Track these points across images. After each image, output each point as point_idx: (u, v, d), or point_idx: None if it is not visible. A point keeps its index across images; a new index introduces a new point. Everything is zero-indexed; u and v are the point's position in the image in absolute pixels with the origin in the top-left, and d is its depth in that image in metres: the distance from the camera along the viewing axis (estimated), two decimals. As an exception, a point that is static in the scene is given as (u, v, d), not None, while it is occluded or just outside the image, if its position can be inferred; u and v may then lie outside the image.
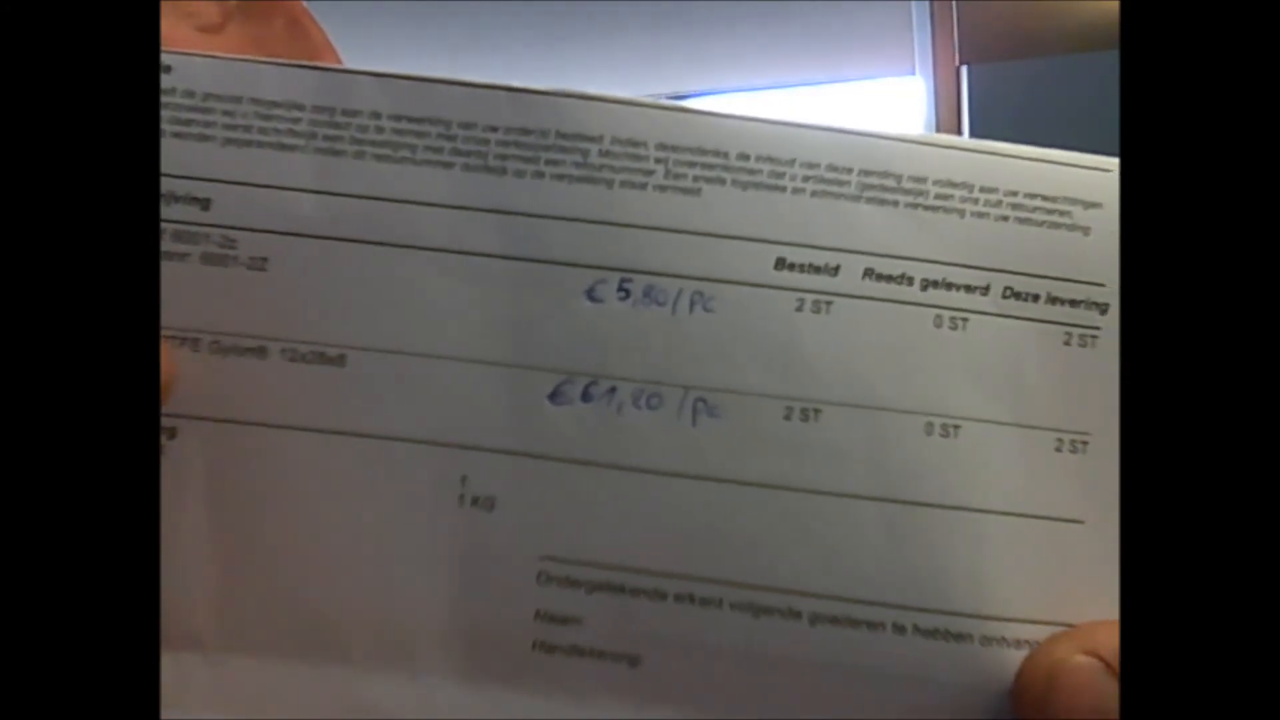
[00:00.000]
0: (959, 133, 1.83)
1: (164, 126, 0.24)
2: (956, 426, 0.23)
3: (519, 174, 0.24)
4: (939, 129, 1.95)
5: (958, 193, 0.24)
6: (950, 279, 0.24)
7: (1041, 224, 0.24)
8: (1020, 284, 0.24)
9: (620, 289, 0.23)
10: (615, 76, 1.92)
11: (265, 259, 0.23)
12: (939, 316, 0.24)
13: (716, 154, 0.24)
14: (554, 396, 0.23)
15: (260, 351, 0.23)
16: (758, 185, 0.24)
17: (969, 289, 0.24)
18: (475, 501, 0.23)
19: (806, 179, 0.24)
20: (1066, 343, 0.24)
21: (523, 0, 1.68)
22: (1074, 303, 0.24)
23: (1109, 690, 0.21)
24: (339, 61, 0.33)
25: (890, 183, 0.24)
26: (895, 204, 0.24)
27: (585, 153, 0.24)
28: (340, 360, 0.23)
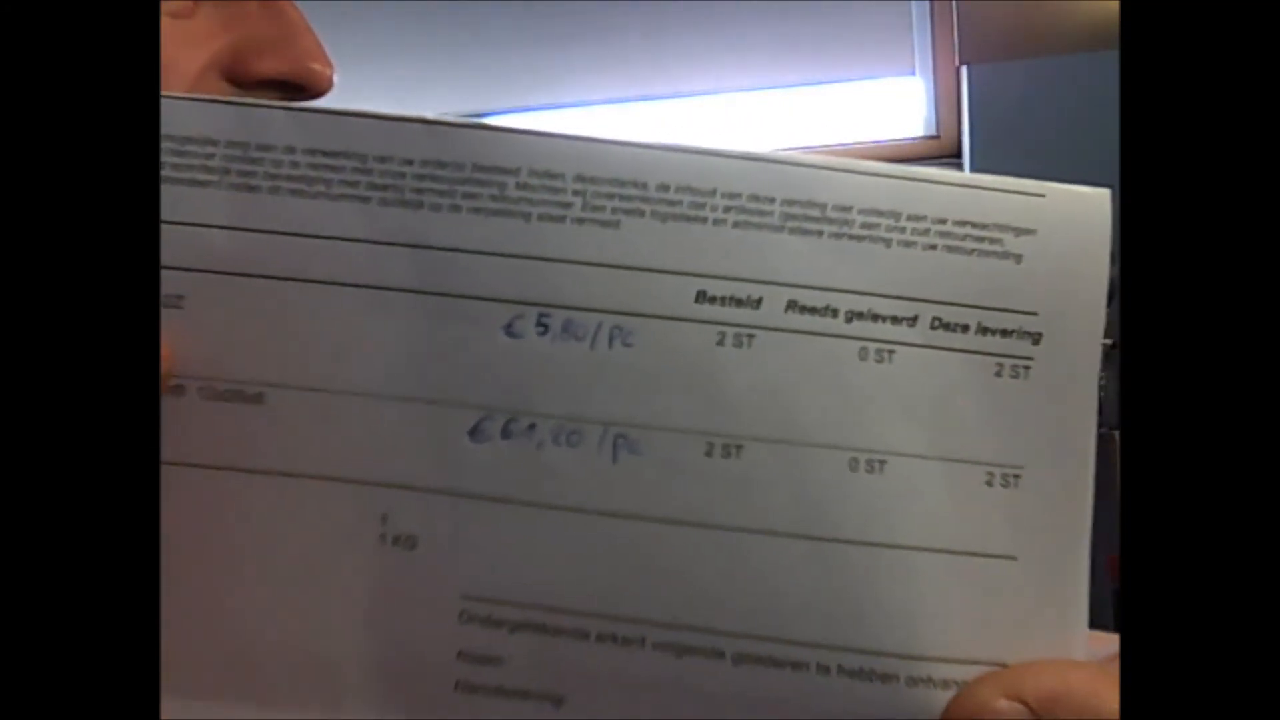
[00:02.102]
0: (959, 133, 1.83)
1: None
2: (882, 461, 0.23)
3: (435, 207, 0.23)
4: (939, 129, 1.95)
5: (884, 221, 0.23)
6: (876, 310, 0.23)
7: (971, 252, 0.23)
8: (949, 314, 0.23)
9: (539, 324, 0.23)
10: (614, 77, 1.92)
11: (181, 296, 0.23)
12: (864, 349, 0.23)
13: (636, 185, 0.23)
14: (474, 433, 0.23)
15: (178, 390, 0.23)
16: (678, 216, 0.23)
17: (896, 320, 0.23)
18: (396, 540, 0.23)
19: (728, 209, 0.23)
20: (998, 374, 0.23)
21: (521, 0, 1.68)
22: (1005, 333, 0.23)
23: None
24: (316, 42, 0.33)
25: (814, 212, 0.23)
26: (819, 234, 0.23)
27: (502, 185, 0.23)
28: (259, 398, 0.23)
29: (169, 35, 0.29)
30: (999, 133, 1.72)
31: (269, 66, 0.31)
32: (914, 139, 1.98)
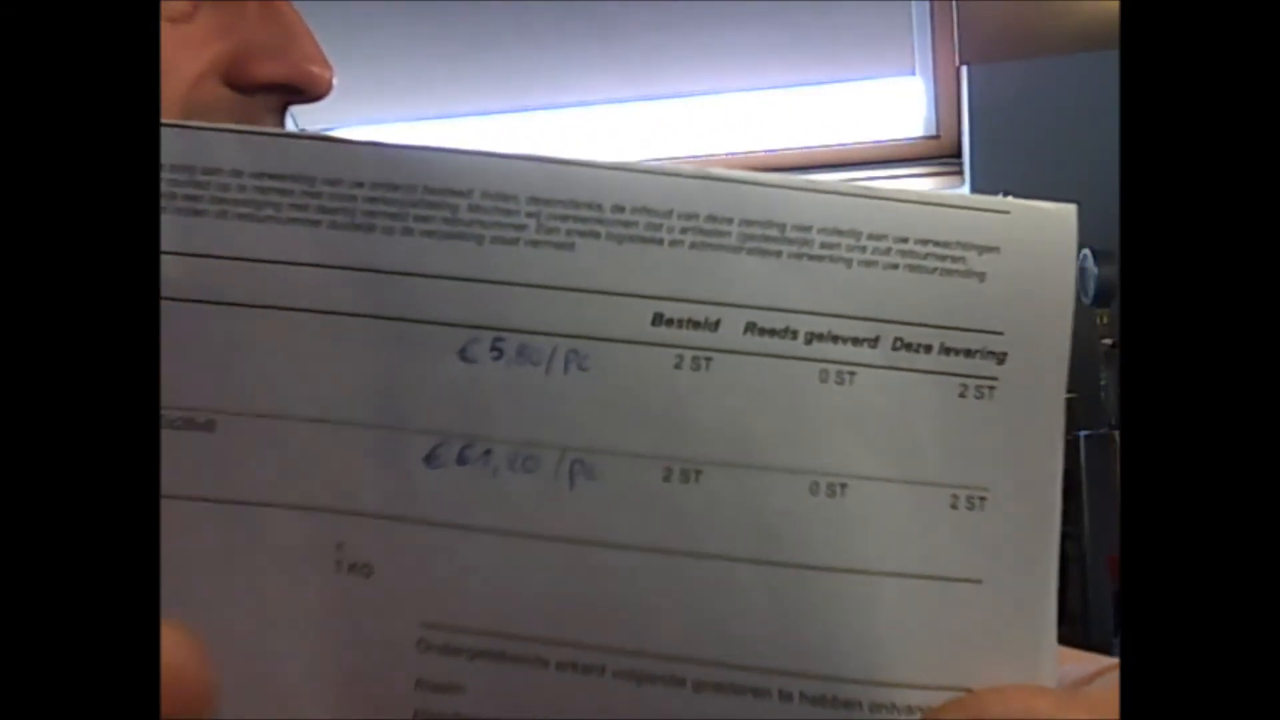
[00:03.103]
0: (959, 133, 1.83)
1: None
2: (844, 485, 0.22)
3: (387, 231, 0.23)
4: (939, 129, 1.95)
5: (844, 241, 0.23)
6: (836, 331, 0.23)
7: (934, 271, 0.23)
8: (911, 334, 0.23)
9: (493, 348, 0.23)
10: (614, 77, 1.92)
11: None
12: (825, 371, 0.23)
13: (590, 206, 0.23)
14: (429, 459, 0.23)
15: None
16: (633, 238, 0.23)
17: (856, 341, 0.23)
18: (352, 568, 0.23)
19: (685, 230, 0.23)
20: (962, 395, 0.23)
21: (522, 0, 1.68)
22: (969, 353, 0.23)
23: None
24: (315, 45, 0.33)
25: (773, 232, 0.23)
26: (778, 254, 0.23)
27: (454, 208, 0.23)
28: (210, 425, 0.23)
29: (168, 39, 0.29)
30: (999, 133, 1.72)
31: (268, 70, 0.31)
32: (914, 139, 1.99)
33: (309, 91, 0.32)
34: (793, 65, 1.85)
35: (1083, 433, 1.46)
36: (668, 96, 1.96)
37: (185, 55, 0.30)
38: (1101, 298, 1.45)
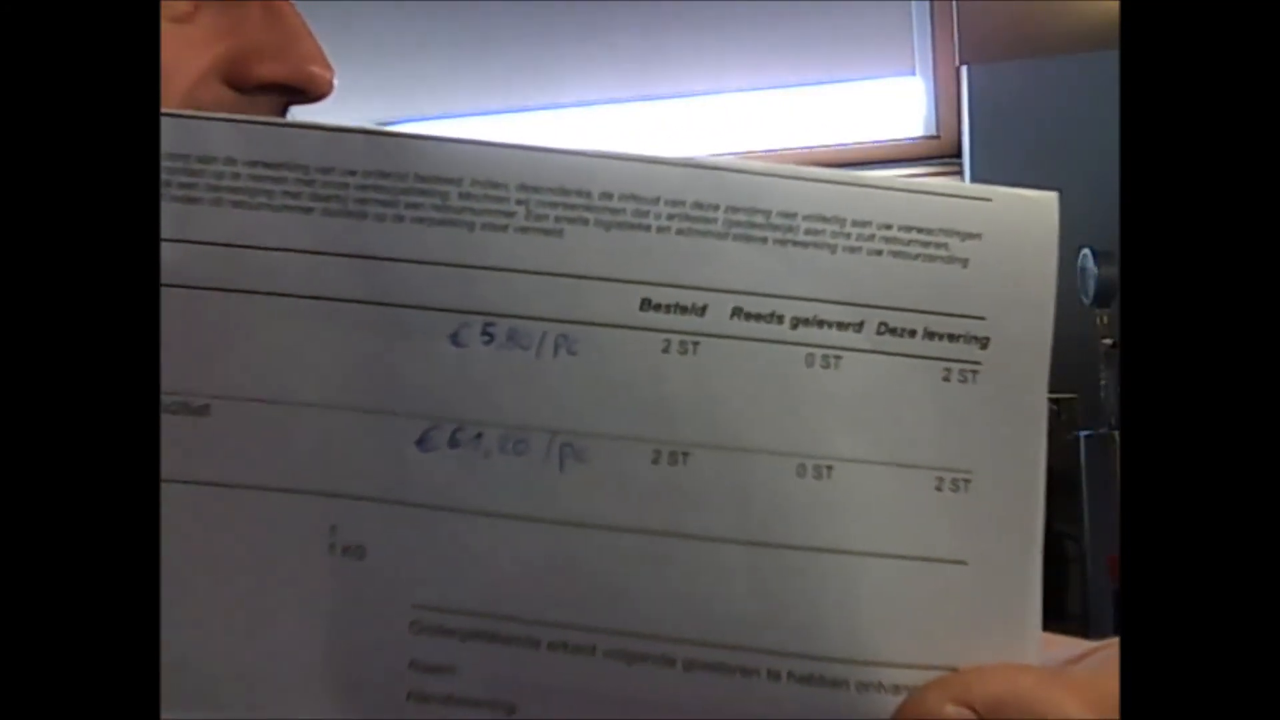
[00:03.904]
0: (959, 133, 1.83)
1: None
2: (829, 467, 0.23)
3: (379, 218, 0.23)
4: (939, 129, 1.95)
5: (829, 227, 0.23)
6: (822, 316, 0.23)
7: (917, 257, 0.23)
8: (896, 319, 0.23)
9: (484, 333, 0.23)
10: (613, 77, 1.92)
11: None
12: (810, 355, 0.23)
13: (579, 194, 0.23)
14: (421, 443, 0.23)
15: None
16: (621, 224, 0.23)
17: (842, 326, 0.23)
18: (345, 550, 0.23)
19: (671, 217, 0.23)
20: (945, 379, 0.23)
21: (520, 1, 1.68)
22: (953, 337, 0.23)
23: None
24: (316, 46, 0.33)
25: (759, 219, 0.23)
26: (764, 240, 0.23)
27: (445, 195, 0.23)
28: (204, 410, 0.23)
29: (169, 40, 0.29)
30: (999, 133, 1.72)
31: (269, 71, 0.31)
32: (914, 139, 1.99)
33: (310, 92, 0.32)
34: (793, 65, 1.85)
35: (1083, 433, 1.46)
36: (668, 96, 1.96)
37: (187, 55, 0.30)
38: (1101, 298, 1.45)
